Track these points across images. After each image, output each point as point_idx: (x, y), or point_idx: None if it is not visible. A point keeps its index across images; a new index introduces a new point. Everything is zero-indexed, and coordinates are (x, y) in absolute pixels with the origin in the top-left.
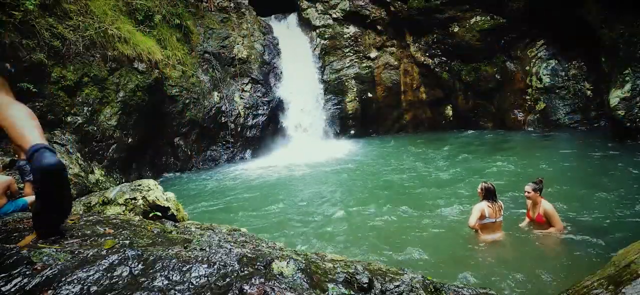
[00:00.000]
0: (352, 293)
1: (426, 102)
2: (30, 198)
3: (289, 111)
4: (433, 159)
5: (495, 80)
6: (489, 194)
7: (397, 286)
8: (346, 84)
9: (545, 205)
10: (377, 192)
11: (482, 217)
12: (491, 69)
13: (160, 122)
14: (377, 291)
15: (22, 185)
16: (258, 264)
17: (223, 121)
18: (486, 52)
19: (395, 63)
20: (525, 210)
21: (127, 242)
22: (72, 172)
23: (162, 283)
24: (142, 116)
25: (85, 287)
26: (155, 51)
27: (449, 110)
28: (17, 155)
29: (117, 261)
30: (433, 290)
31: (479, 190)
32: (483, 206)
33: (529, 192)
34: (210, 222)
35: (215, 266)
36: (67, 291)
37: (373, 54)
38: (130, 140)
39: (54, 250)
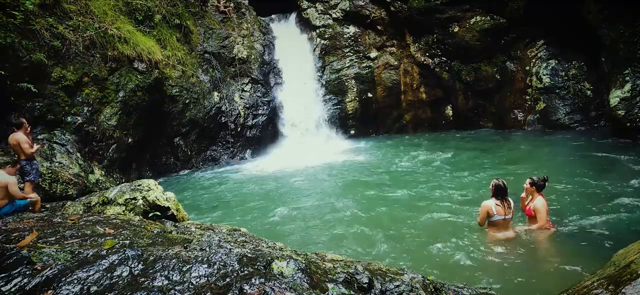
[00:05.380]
0: (352, 293)
1: (426, 102)
2: (31, 198)
3: (289, 111)
4: (433, 159)
5: (495, 80)
6: (499, 191)
7: (397, 286)
8: (346, 84)
9: (537, 202)
10: (377, 192)
11: (490, 215)
12: (491, 69)
13: (160, 122)
14: (377, 291)
15: (22, 185)
16: (258, 264)
17: (223, 121)
18: (486, 52)
19: (395, 63)
20: (523, 210)
21: (127, 242)
22: (72, 172)
23: (162, 283)
24: (142, 116)
25: (85, 287)
26: (155, 51)
27: (449, 110)
28: (17, 156)
29: (117, 261)
30: (433, 290)
31: (490, 186)
32: (491, 204)
33: (525, 185)
34: (210, 222)
35: (215, 266)
36: (67, 291)
37: (373, 54)
38: (130, 140)
39: (54, 250)
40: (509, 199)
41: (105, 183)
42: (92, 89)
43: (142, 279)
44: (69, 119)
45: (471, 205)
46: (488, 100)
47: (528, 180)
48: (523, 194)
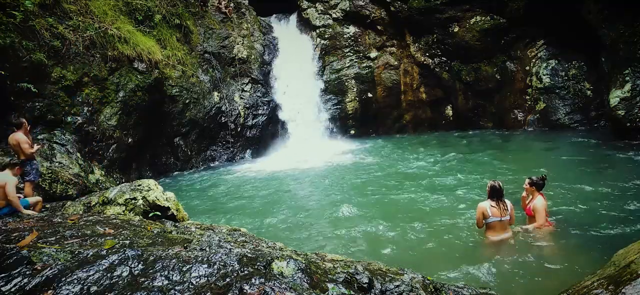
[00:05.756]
0: (352, 293)
1: (426, 102)
2: (33, 199)
3: (288, 111)
4: (433, 159)
5: (495, 80)
6: (494, 193)
7: (397, 286)
8: (346, 84)
9: (537, 202)
10: (377, 192)
11: (485, 216)
12: (491, 69)
13: (160, 122)
14: (377, 291)
15: (22, 185)
16: (258, 264)
17: (223, 121)
18: (486, 52)
19: (395, 63)
20: (524, 210)
21: (127, 242)
22: (72, 172)
23: (162, 283)
24: (142, 116)
25: (85, 287)
26: (155, 51)
27: (449, 110)
28: (16, 156)
29: (117, 261)
30: (433, 290)
31: (487, 188)
32: (486, 206)
33: (525, 185)
34: (210, 222)
35: (215, 266)
36: (67, 291)
37: (373, 54)
38: (130, 140)
39: (54, 250)
40: (506, 201)
41: (105, 183)
42: (92, 89)
43: (142, 279)
44: (69, 119)
45: (471, 205)
46: (488, 100)
47: (527, 180)
48: (524, 194)
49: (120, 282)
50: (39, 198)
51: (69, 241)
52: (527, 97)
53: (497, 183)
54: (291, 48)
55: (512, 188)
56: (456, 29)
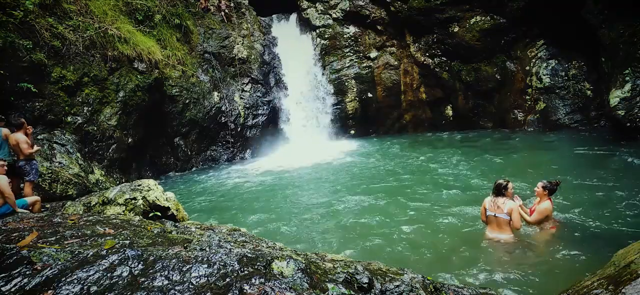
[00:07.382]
0: (352, 293)
1: (426, 102)
2: (31, 198)
3: (288, 111)
4: (433, 159)
5: (495, 80)
6: (494, 188)
7: (397, 286)
8: (346, 84)
9: (542, 205)
10: (377, 192)
11: (485, 209)
12: (491, 69)
13: (160, 122)
14: (377, 291)
15: (22, 185)
16: (258, 264)
17: (223, 121)
18: (486, 52)
19: (395, 63)
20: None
21: (127, 242)
22: (72, 172)
23: (162, 283)
24: (142, 116)
25: (85, 287)
26: (155, 51)
27: (449, 110)
28: (16, 157)
29: (117, 261)
30: (433, 290)
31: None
32: (487, 199)
33: (537, 189)
34: (210, 222)
35: (215, 266)
36: (67, 291)
37: (373, 54)
38: (130, 140)
39: (54, 250)
40: (507, 201)
41: (105, 183)
42: (92, 89)
43: (142, 279)
44: (69, 119)
45: (470, 205)
46: (488, 100)
47: (540, 184)
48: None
49: (120, 282)
50: (37, 198)
51: (69, 241)
52: (527, 97)
53: (501, 180)
54: (291, 48)
55: (518, 189)
56: (456, 29)
